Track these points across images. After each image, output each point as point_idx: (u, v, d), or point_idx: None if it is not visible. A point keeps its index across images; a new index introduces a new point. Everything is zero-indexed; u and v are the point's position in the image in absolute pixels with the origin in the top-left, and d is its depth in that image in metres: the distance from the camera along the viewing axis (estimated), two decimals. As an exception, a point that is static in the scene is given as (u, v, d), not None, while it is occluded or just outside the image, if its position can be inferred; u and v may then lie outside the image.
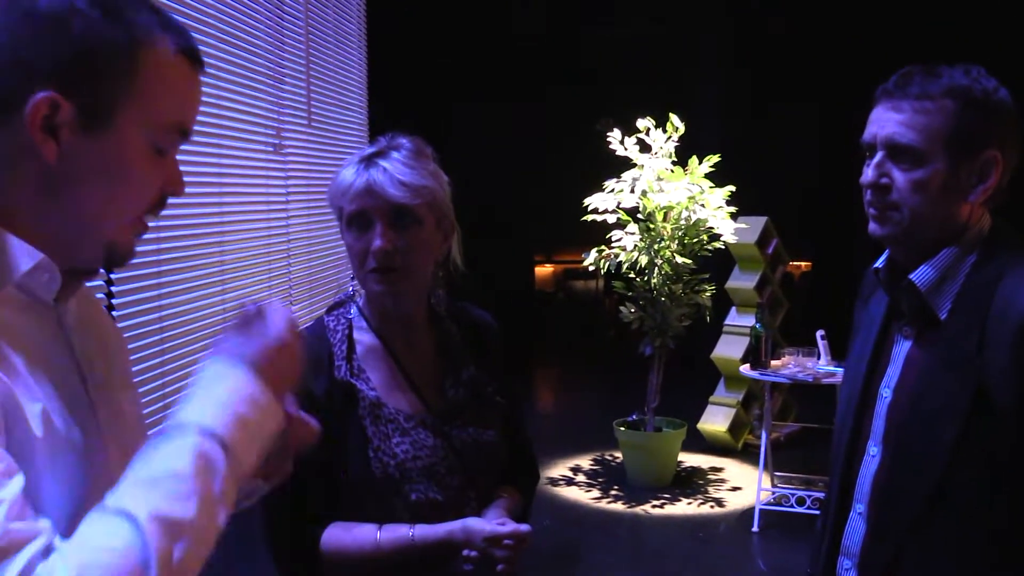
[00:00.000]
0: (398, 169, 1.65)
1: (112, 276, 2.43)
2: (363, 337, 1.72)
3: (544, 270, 12.35)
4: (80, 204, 0.96)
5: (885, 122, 1.59)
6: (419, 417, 1.68)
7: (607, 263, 5.63)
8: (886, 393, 1.67)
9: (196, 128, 3.02)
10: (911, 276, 1.61)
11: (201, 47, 3.10)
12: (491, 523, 1.61)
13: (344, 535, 1.61)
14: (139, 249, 2.70)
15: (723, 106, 8.74)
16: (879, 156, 1.60)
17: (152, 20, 0.98)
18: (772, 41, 8.65)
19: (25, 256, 0.94)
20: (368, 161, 1.66)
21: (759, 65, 8.74)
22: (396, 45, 6.92)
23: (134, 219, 1.01)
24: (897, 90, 1.59)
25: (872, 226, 1.64)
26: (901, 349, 1.67)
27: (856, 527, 1.69)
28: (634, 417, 5.92)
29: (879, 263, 1.71)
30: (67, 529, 0.92)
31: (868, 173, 1.62)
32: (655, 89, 8.07)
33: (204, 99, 3.18)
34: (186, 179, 3.00)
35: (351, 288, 1.78)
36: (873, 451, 1.67)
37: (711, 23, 8.86)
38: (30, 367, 0.92)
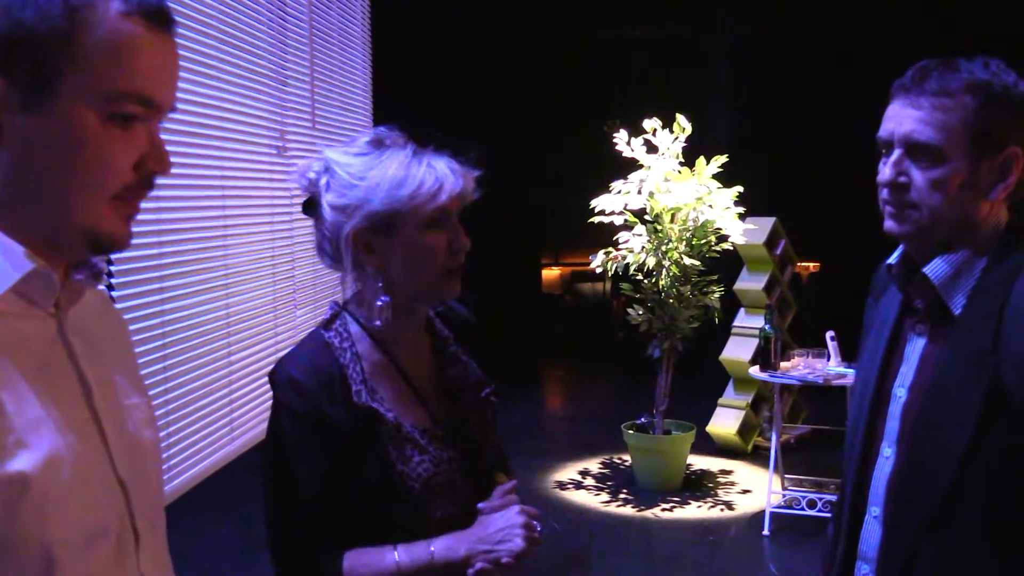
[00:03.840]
0: (463, 170, 1.63)
1: (112, 280, 2.40)
2: (368, 352, 1.61)
3: (551, 272, 12.32)
4: (41, 188, 0.91)
5: (903, 119, 1.55)
6: (431, 431, 1.62)
7: (614, 265, 5.59)
8: (900, 393, 1.63)
9: (198, 130, 2.99)
10: (924, 270, 1.58)
11: (204, 49, 3.08)
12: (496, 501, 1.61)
13: (361, 563, 1.52)
14: (140, 253, 2.66)
15: (731, 106, 8.70)
16: (897, 154, 1.56)
17: None
18: (780, 40, 8.62)
19: (20, 262, 0.91)
20: (424, 155, 1.60)
21: (767, 64, 8.71)
22: (400, 47, 6.90)
23: (112, 200, 0.94)
24: (914, 85, 1.54)
25: (888, 223, 1.60)
26: (915, 347, 1.63)
27: (872, 531, 1.66)
28: (643, 420, 5.88)
29: (892, 259, 1.68)
30: (85, 543, 0.92)
31: (885, 171, 1.57)
32: (662, 89, 8.04)
33: (207, 101, 3.13)
34: (189, 182, 2.95)
35: (339, 301, 1.68)
36: (887, 452, 1.63)
37: (719, 22, 8.82)
38: (27, 382, 0.89)
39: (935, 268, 1.57)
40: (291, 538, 1.53)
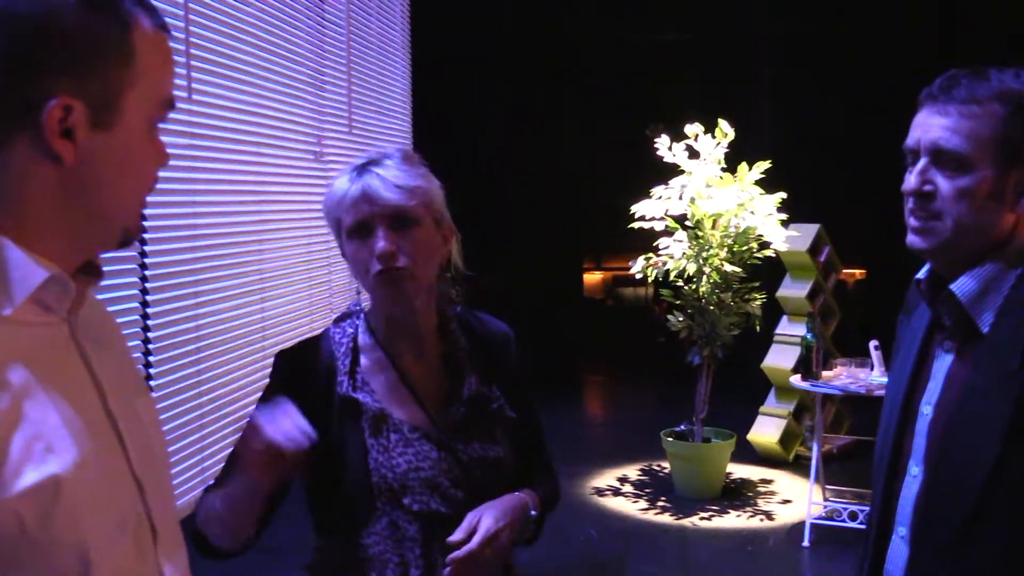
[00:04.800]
0: (391, 174, 1.67)
1: (147, 285, 2.44)
2: (368, 348, 1.72)
3: (593, 277, 12.28)
4: (101, 199, 0.97)
5: (929, 127, 1.52)
6: (423, 430, 1.68)
7: (654, 271, 5.56)
8: (927, 410, 1.60)
9: (237, 136, 3.05)
10: (951, 286, 1.54)
11: (242, 56, 3.14)
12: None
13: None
14: (176, 258, 2.71)
15: (776, 110, 8.61)
16: (923, 162, 1.53)
17: (129, 1, 0.97)
18: (826, 43, 8.52)
19: (38, 270, 0.93)
20: (361, 170, 1.68)
21: (812, 69, 8.60)
22: (441, 51, 6.92)
23: (143, 199, 1.03)
24: (942, 93, 1.52)
25: (911, 238, 1.58)
26: (942, 364, 1.60)
27: (898, 551, 1.62)
28: (682, 427, 5.84)
29: (921, 274, 1.65)
30: (113, 540, 0.94)
31: (910, 180, 1.55)
32: (706, 93, 7.98)
33: (245, 105, 3.19)
34: (226, 188, 2.99)
35: (360, 301, 1.78)
36: (915, 471, 1.60)
37: (763, 25, 8.74)
38: (47, 388, 0.92)
39: (962, 285, 1.54)
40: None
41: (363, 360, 1.70)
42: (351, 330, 1.73)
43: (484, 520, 1.62)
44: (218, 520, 1.59)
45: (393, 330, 1.72)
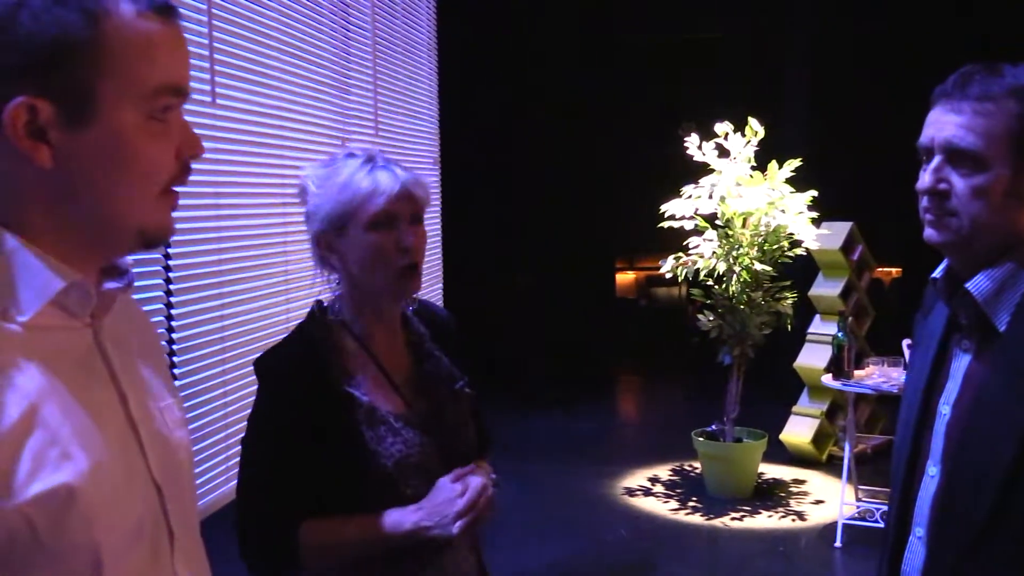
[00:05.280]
0: (413, 172, 1.75)
1: (172, 287, 2.48)
2: (348, 342, 1.75)
3: (626, 277, 12.24)
4: (97, 199, 0.93)
5: (943, 125, 1.50)
6: (405, 416, 1.74)
7: (684, 270, 5.54)
8: (945, 410, 1.58)
9: (261, 140, 3.07)
10: (967, 285, 1.53)
11: (266, 59, 3.15)
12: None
13: (318, 532, 1.67)
14: (200, 260, 2.74)
15: (807, 108, 8.53)
16: (937, 160, 1.51)
17: None
18: (857, 40, 8.42)
19: (56, 277, 0.92)
20: (374, 164, 1.73)
21: (844, 65, 8.51)
22: (468, 52, 6.93)
23: (160, 194, 0.97)
24: (956, 91, 1.50)
25: (928, 232, 1.56)
26: (960, 364, 1.58)
27: (915, 552, 1.61)
28: (713, 427, 5.81)
29: (937, 272, 1.63)
30: (127, 545, 0.94)
31: (925, 179, 1.53)
32: (738, 92, 7.93)
33: (269, 109, 3.21)
34: (251, 191, 3.02)
35: (330, 294, 1.80)
36: (932, 471, 1.59)
37: (794, 23, 8.66)
38: (68, 393, 0.91)
39: (978, 284, 1.52)
40: (254, 510, 1.68)
41: (343, 355, 1.74)
42: (327, 325, 1.76)
43: (473, 478, 1.71)
44: (338, 558, 1.69)
45: (375, 322, 1.77)
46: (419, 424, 1.75)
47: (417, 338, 1.84)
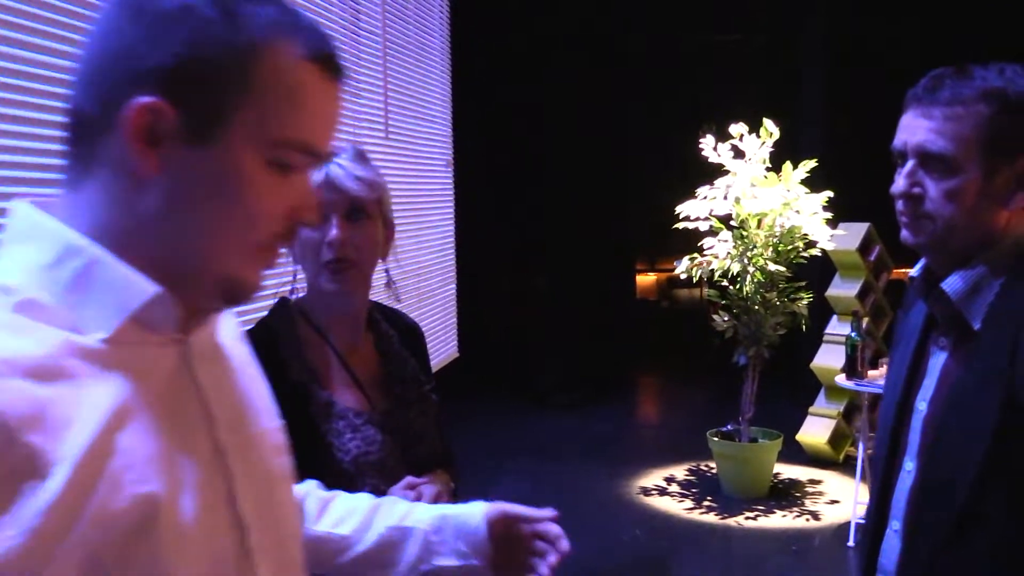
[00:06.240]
0: (351, 166, 1.70)
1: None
2: (309, 337, 1.75)
3: (647, 278, 12.25)
4: (188, 225, 0.85)
5: (915, 129, 1.53)
6: (367, 415, 1.73)
7: (699, 271, 5.57)
8: (922, 406, 1.61)
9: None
10: (942, 285, 1.56)
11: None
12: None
13: None
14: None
15: (824, 109, 8.51)
16: (910, 164, 1.54)
17: (279, 20, 0.86)
18: (874, 40, 8.39)
19: (136, 290, 0.84)
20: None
21: (860, 66, 8.49)
22: (482, 56, 6.95)
23: (257, 248, 0.88)
24: (927, 95, 1.52)
25: (904, 233, 1.60)
26: (937, 361, 1.61)
27: (892, 545, 1.65)
28: (729, 427, 5.83)
29: (915, 271, 1.66)
30: None
31: (899, 182, 1.56)
32: (757, 92, 7.93)
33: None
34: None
35: (292, 289, 1.81)
36: (909, 466, 1.62)
37: (810, 24, 8.64)
38: (150, 413, 0.84)
39: (952, 283, 1.54)
40: None
41: (305, 349, 1.73)
42: (288, 320, 1.75)
43: (426, 487, 1.66)
44: None
45: (332, 318, 1.76)
46: (380, 423, 1.73)
47: (386, 339, 1.84)
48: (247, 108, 0.84)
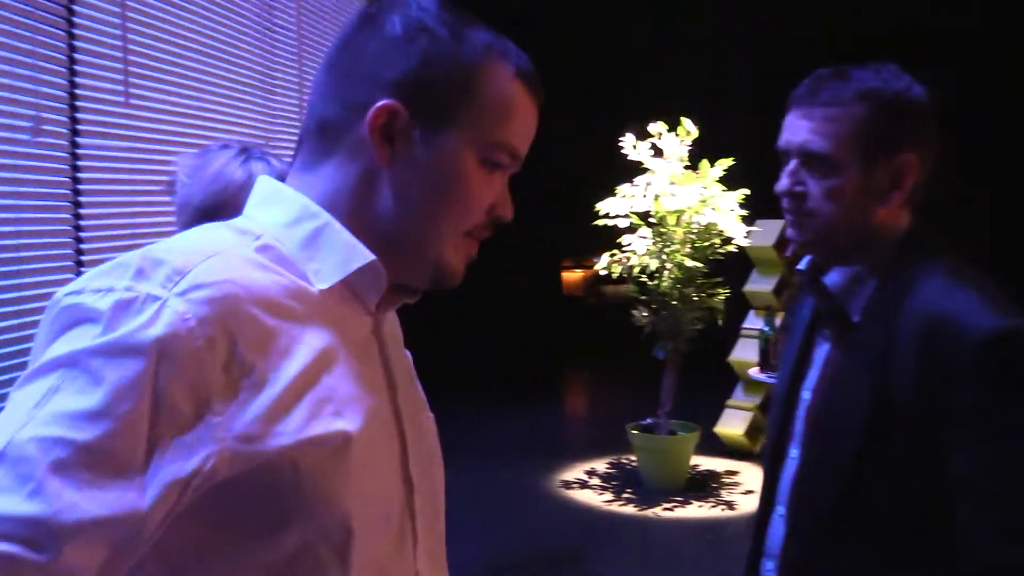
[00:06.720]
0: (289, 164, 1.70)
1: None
2: None
3: (574, 275, 12.35)
4: (411, 212, 0.99)
5: (797, 129, 1.57)
6: None
7: (619, 267, 5.65)
8: (806, 396, 1.67)
9: (179, 139, 3.10)
10: (824, 278, 1.62)
11: (184, 58, 3.17)
12: None
13: None
14: (113, 256, 2.76)
15: (745, 109, 8.70)
16: (793, 164, 1.58)
17: (493, 43, 1.01)
18: (795, 42, 8.60)
19: (357, 254, 0.97)
20: (252, 156, 1.69)
21: (779, 67, 8.68)
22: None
23: (464, 235, 1.02)
24: (808, 96, 1.56)
25: (789, 231, 1.65)
26: (821, 351, 1.66)
27: (777, 528, 1.70)
28: (648, 421, 5.93)
29: (802, 264, 1.72)
30: (376, 526, 0.95)
31: (783, 181, 1.60)
32: (676, 93, 8.05)
33: (187, 109, 3.24)
34: (172, 192, 3.00)
35: None
36: (794, 453, 1.68)
37: (733, 25, 8.82)
38: (348, 361, 0.95)
39: (833, 277, 1.60)
40: None
41: None
42: None
43: None
44: None
45: None
46: None
47: None
48: (469, 113, 0.98)
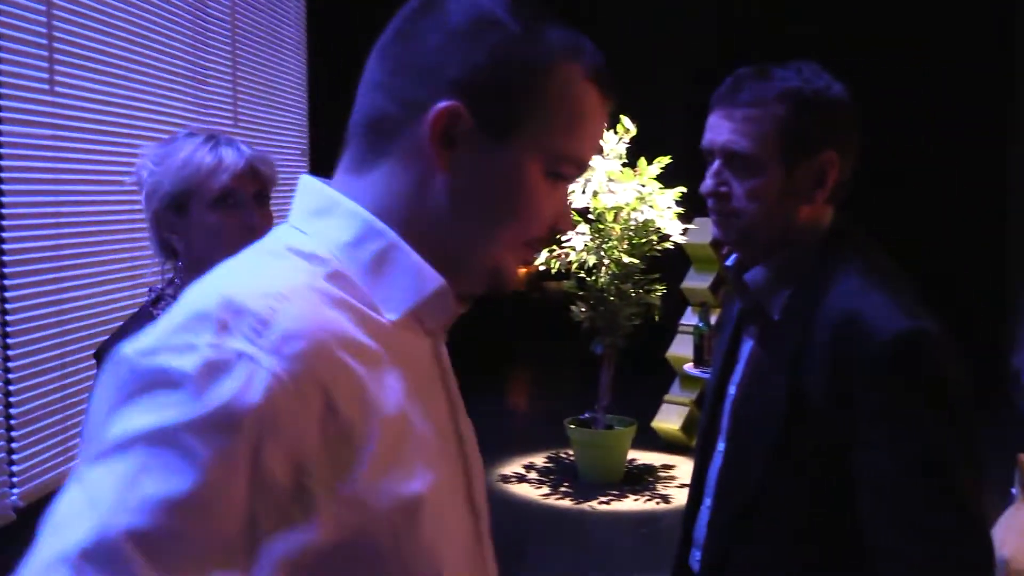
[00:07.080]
0: (257, 149, 1.70)
1: (5, 270, 2.47)
2: None
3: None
4: (470, 220, 0.90)
5: (720, 129, 1.58)
6: None
7: (558, 263, 5.68)
8: (732, 390, 1.69)
9: (105, 128, 3.04)
10: (745, 276, 1.64)
11: (111, 46, 3.11)
12: None
13: None
14: (37, 244, 2.71)
15: (683, 108, 8.78)
16: (716, 164, 1.59)
17: (568, 40, 0.92)
18: (733, 41, 8.71)
19: (428, 278, 0.90)
20: (217, 142, 1.69)
21: (717, 66, 8.79)
22: (343, 47, 6.88)
23: (523, 245, 0.94)
24: (729, 96, 1.57)
25: (713, 230, 1.67)
26: (747, 348, 1.69)
27: (703, 520, 1.73)
28: (586, 415, 5.97)
29: (729, 261, 1.74)
30: (461, 568, 0.90)
31: (707, 182, 1.62)
32: (619, 92, 8.09)
33: (113, 97, 3.17)
34: (93, 176, 2.99)
35: (169, 275, 1.76)
36: (721, 447, 1.70)
37: (671, 25, 8.90)
38: (417, 396, 0.88)
39: (754, 275, 1.62)
40: None
41: None
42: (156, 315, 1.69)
43: None
44: None
45: None
46: None
47: None
48: (537, 120, 0.89)
